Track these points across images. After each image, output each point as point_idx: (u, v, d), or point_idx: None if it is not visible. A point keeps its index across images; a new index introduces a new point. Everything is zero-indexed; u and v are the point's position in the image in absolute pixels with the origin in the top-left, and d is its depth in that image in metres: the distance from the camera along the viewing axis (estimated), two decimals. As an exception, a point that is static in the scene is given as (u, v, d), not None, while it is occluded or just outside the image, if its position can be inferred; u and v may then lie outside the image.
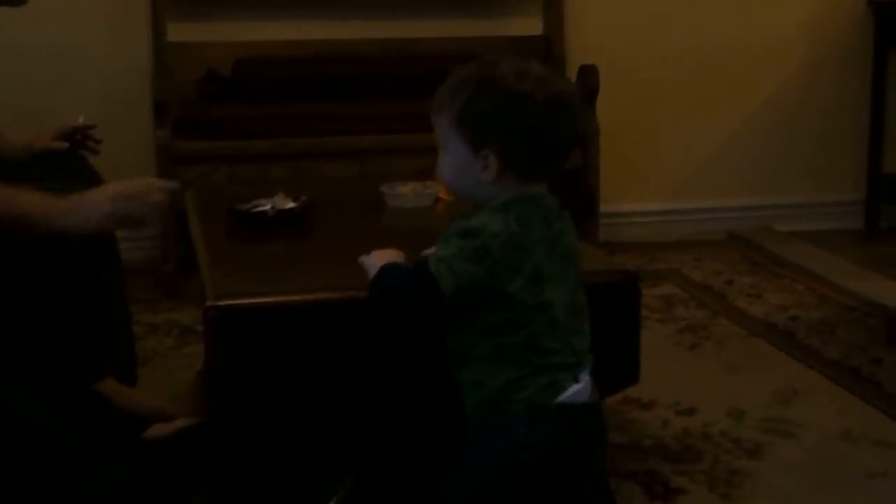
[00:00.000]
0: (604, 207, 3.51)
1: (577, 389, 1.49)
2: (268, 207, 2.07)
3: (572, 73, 3.55)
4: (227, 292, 1.68)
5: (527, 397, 1.47)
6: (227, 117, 3.29)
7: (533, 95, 1.44)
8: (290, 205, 2.07)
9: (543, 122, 1.46)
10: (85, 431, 1.74)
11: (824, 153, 4.04)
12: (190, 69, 3.48)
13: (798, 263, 3.54)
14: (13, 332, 1.87)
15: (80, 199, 1.86)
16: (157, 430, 1.97)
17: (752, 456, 2.20)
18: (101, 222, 1.85)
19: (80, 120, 2.37)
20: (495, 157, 1.46)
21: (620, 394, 2.17)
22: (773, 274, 3.48)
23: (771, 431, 2.31)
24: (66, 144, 2.32)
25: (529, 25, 3.75)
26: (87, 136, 2.38)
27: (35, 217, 1.83)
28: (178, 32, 3.53)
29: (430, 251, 1.48)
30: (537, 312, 1.47)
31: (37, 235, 1.84)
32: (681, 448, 2.24)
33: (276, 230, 2.04)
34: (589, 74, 3.42)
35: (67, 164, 2.27)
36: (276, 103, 3.38)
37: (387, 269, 1.50)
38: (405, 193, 2.24)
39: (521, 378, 1.47)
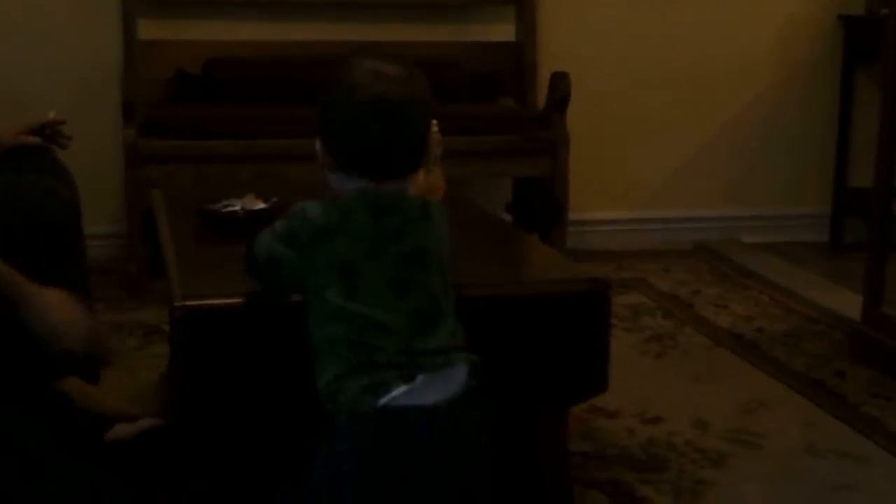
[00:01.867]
0: (572, 215, 3.51)
1: (406, 391, 1.42)
2: (238, 208, 2.05)
3: (544, 81, 3.55)
4: (195, 293, 1.66)
5: (348, 401, 1.43)
6: (196, 117, 3.26)
7: (354, 93, 1.46)
8: (261, 206, 2.05)
9: (356, 120, 1.47)
10: (44, 431, 1.71)
11: (792, 166, 4.06)
12: (159, 68, 3.46)
13: (764, 275, 3.56)
14: None
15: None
16: (120, 430, 1.94)
17: (716, 466, 2.21)
18: None
19: (51, 115, 2.34)
20: (321, 146, 1.51)
21: (586, 402, 2.17)
22: (740, 285, 3.49)
23: (736, 442, 2.32)
24: (37, 139, 2.29)
25: (502, 32, 3.75)
26: (56, 132, 2.35)
27: None
28: (148, 30, 3.51)
29: None
30: (354, 312, 1.44)
31: None
32: (646, 457, 2.24)
33: (245, 231, 2.01)
34: (560, 82, 3.41)
35: (37, 158, 2.25)
36: (246, 104, 3.36)
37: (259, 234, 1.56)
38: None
39: (343, 376, 1.44)
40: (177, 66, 3.47)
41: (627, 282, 3.47)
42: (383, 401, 1.42)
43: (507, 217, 3.61)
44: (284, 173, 3.15)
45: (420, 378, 1.44)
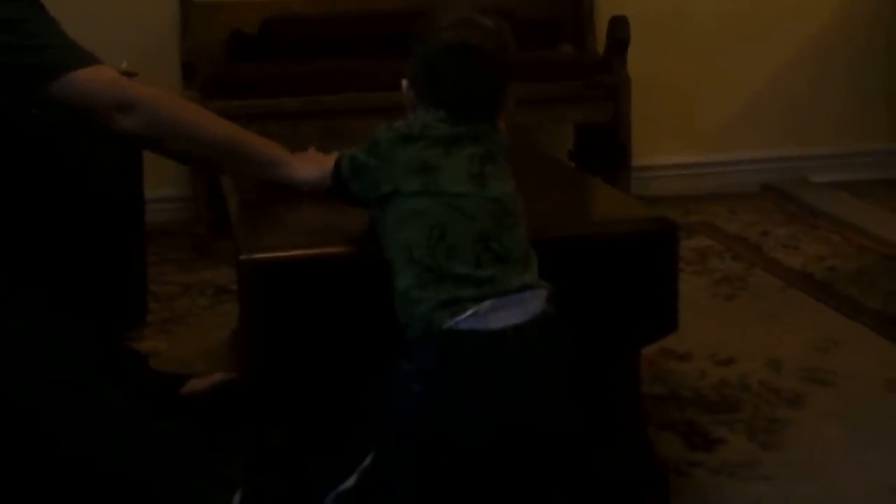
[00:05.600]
0: (635, 161, 3.48)
1: (473, 313, 1.44)
2: (300, 163, 2.04)
3: (602, 26, 3.51)
4: (261, 245, 1.67)
5: (423, 315, 1.45)
6: (256, 76, 3.27)
7: (438, 33, 1.57)
8: (323, 159, 2.05)
9: (435, 63, 1.57)
10: (122, 387, 1.74)
11: (858, 102, 3.98)
12: (216, 29, 3.47)
13: (834, 214, 3.50)
14: (49, 282, 1.86)
15: (312, 156, 1.86)
16: (194, 385, 1.97)
17: (792, 405, 2.18)
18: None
19: (123, 66, 2.29)
20: (407, 82, 1.61)
21: (657, 345, 2.16)
22: (809, 225, 3.44)
23: (810, 381, 2.29)
24: None
25: (558, -23, 3.71)
26: None
27: (265, 161, 1.84)
28: (204, -9, 3.52)
29: None
30: (436, 198, 1.49)
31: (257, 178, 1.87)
32: (719, 398, 2.22)
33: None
34: (619, 26, 3.38)
35: None
36: (304, 61, 3.35)
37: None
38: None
39: (421, 285, 1.46)
40: (233, 27, 3.47)
41: (694, 225, 3.43)
42: (450, 323, 1.43)
43: (570, 164, 3.58)
44: (345, 128, 3.15)
45: (488, 303, 1.44)
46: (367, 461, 1.54)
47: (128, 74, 2.26)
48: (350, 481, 1.53)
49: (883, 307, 2.69)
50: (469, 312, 1.44)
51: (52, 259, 1.90)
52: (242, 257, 1.62)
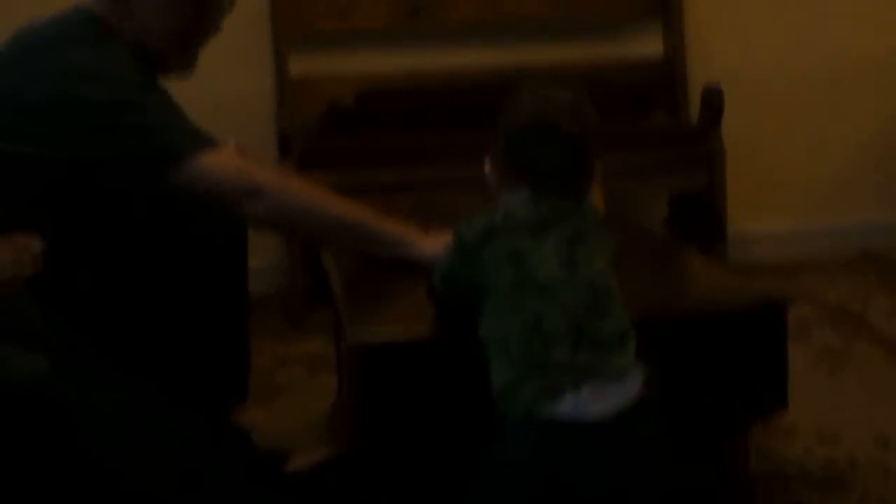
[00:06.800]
0: (732, 229, 3.44)
1: (572, 402, 1.43)
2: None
3: (695, 95, 3.49)
4: (368, 328, 1.67)
5: (525, 402, 1.45)
6: (352, 149, 3.31)
7: (516, 118, 1.59)
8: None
9: (516, 143, 1.59)
10: (226, 463, 1.75)
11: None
12: (312, 103, 3.51)
13: (937, 282, 3.42)
14: (158, 356, 1.89)
15: (435, 234, 1.87)
16: (297, 461, 1.97)
17: (903, 485, 2.12)
18: None
19: (231, 143, 2.31)
20: (490, 163, 1.63)
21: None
22: (912, 294, 3.37)
23: (921, 459, 2.23)
24: None
25: (650, 46, 3.70)
26: None
27: (392, 240, 1.88)
28: (299, 64, 3.57)
29: None
30: (529, 291, 1.48)
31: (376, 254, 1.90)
32: (827, 477, 2.16)
33: (410, 262, 2.03)
34: (713, 96, 3.36)
35: None
36: (400, 134, 3.39)
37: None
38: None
39: (520, 376, 1.46)
40: (329, 100, 3.52)
41: (791, 295, 3.36)
42: (549, 412, 1.43)
43: (666, 234, 3.56)
44: (442, 200, 3.16)
45: (586, 389, 1.44)
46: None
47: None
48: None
49: None
50: (567, 401, 1.43)
51: (161, 333, 1.93)
52: (349, 339, 1.63)
